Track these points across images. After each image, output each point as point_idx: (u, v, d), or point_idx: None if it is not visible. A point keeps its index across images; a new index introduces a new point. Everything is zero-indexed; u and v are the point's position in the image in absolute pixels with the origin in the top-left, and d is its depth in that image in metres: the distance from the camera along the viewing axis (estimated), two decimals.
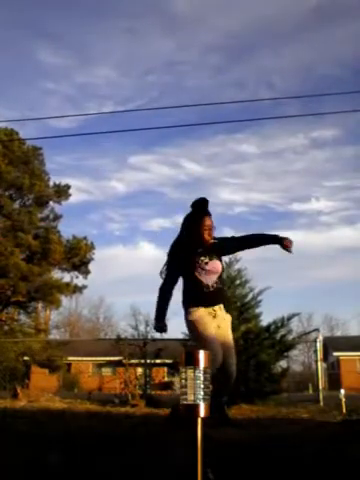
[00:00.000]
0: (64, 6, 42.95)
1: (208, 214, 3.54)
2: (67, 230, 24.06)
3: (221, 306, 3.55)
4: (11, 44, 44.07)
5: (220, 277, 3.60)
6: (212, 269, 3.52)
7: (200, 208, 3.53)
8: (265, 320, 7.09)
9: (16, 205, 22.67)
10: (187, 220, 3.56)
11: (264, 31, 44.50)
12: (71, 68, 47.40)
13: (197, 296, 3.52)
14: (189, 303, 3.55)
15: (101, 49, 46.62)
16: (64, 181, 24.08)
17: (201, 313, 3.44)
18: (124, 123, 44.60)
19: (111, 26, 44.25)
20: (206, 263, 3.51)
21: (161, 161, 62.36)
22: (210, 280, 3.52)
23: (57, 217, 23.38)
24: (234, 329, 4.04)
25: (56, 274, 22.74)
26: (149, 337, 8.21)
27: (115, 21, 44.17)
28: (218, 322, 3.48)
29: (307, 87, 45.91)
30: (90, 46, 46.45)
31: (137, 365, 8.41)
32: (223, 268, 3.69)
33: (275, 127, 56.28)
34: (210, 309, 3.47)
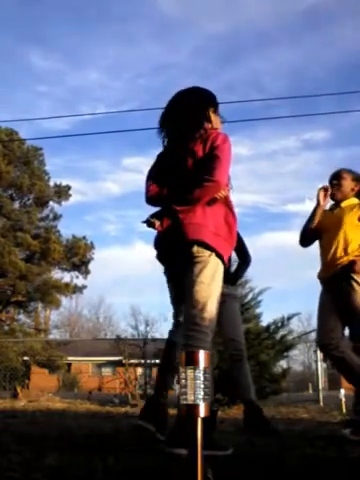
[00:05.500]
0: (56, 10, 43.04)
1: None
2: (64, 231, 23.99)
3: None
4: (3, 47, 44.10)
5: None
6: None
7: None
8: (265, 320, 7.10)
9: (16, 205, 22.69)
10: None
11: (253, 34, 44.60)
12: (63, 71, 47.40)
13: None
14: None
15: (92, 52, 46.71)
16: (60, 182, 24.04)
17: None
18: (118, 125, 44.70)
19: (102, 30, 44.33)
20: None
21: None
22: None
23: (57, 217, 23.39)
24: None
25: (56, 274, 22.77)
26: (149, 337, 8.22)
27: (106, 25, 44.31)
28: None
29: (297, 90, 46.05)
30: (81, 49, 46.59)
31: (137, 365, 8.41)
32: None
33: (267, 130, 56.25)
34: None
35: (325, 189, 3.21)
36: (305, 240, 3.32)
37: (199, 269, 2.22)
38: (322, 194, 3.21)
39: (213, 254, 2.24)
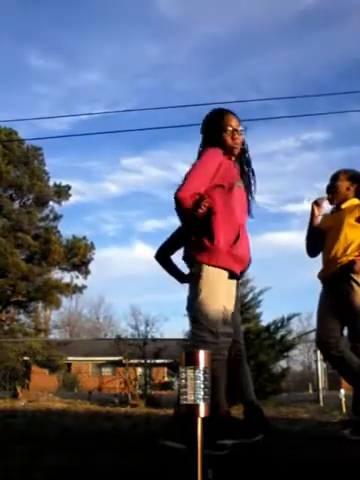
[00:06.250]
0: (55, 10, 43.11)
1: None
2: (64, 231, 24.01)
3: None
4: (2, 47, 44.10)
5: None
6: None
7: None
8: (265, 320, 7.11)
9: (16, 205, 22.66)
10: None
11: (252, 34, 44.68)
12: (61, 72, 47.41)
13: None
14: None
15: (91, 53, 46.79)
16: (59, 182, 24.00)
17: None
18: (117, 126, 44.85)
19: (101, 30, 44.43)
20: None
21: (153, 163, 62.56)
22: None
23: (57, 217, 23.36)
24: None
25: (56, 274, 22.73)
26: (149, 337, 8.22)
27: (105, 25, 44.38)
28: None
29: (295, 90, 46.12)
30: (80, 50, 46.69)
31: (137, 365, 8.41)
32: None
33: (266, 130, 56.42)
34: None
35: (317, 204, 3.29)
36: (312, 250, 3.36)
37: (193, 280, 2.47)
38: (316, 207, 3.29)
39: (203, 265, 2.41)
